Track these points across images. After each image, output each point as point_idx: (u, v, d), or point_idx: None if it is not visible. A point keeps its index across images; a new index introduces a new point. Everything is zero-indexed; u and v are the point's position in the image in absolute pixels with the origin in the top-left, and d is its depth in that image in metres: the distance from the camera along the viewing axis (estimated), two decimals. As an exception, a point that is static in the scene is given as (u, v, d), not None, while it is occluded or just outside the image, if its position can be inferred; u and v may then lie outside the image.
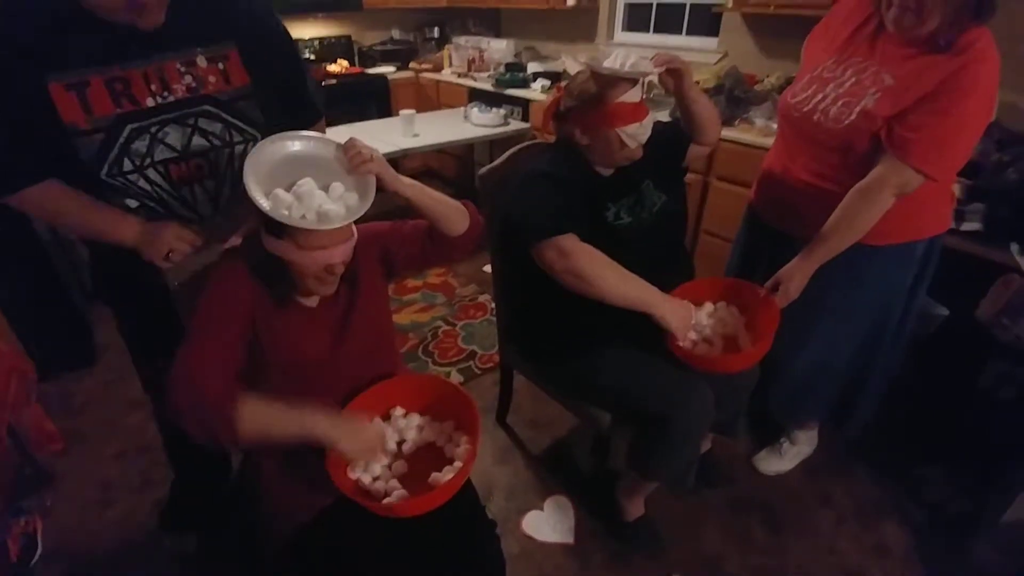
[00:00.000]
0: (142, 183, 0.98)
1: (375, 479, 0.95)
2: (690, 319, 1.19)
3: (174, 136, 0.97)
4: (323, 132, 1.13)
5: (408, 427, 1.04)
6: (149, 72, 0.91)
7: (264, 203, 0.84)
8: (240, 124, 1.04)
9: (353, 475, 0.94)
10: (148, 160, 0.96)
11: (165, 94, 0.92)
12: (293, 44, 1.12)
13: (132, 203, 0.99)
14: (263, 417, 0.85)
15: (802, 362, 1.44)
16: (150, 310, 1.08)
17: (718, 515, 1.58)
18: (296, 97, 1.13)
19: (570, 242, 1.11)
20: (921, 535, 1.52)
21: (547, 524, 1.55)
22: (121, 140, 0.92)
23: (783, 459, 1.72)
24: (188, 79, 0.94)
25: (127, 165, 0.95)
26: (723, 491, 1.64)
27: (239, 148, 1.05)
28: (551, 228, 1.11)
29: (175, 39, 0.91)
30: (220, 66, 0.96)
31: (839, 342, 1.41)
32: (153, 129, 0.95)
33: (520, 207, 1.18)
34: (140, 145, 0.95)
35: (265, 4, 1.04)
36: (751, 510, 1.60)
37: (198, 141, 1.00)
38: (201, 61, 0.95)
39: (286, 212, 0.83)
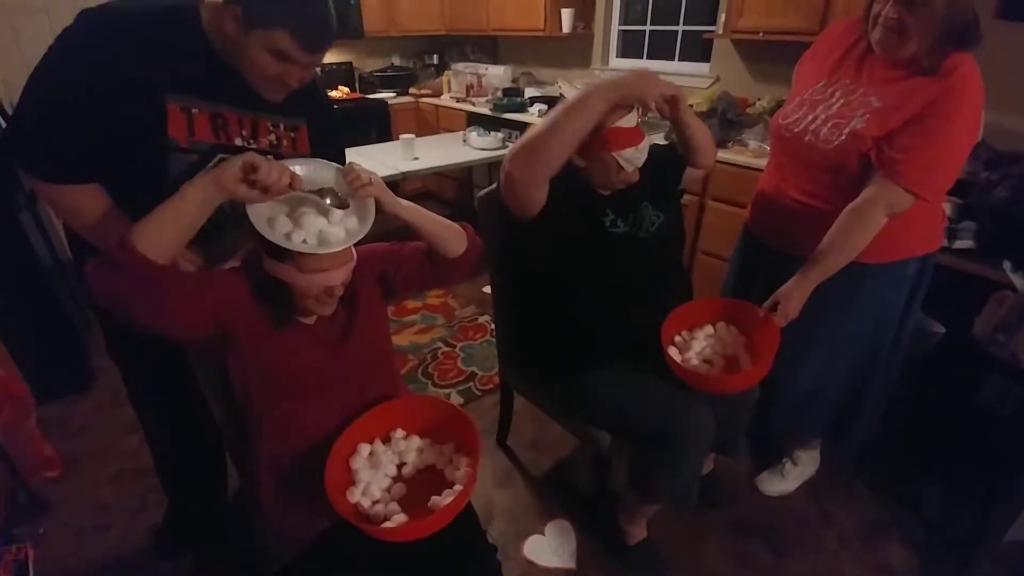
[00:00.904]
0: None
1: (375, 503, 0.94)
2: (651, 78, 1.06)
3: None
4: None
5: (408, 449, 1.03)
6: (244, 120, 1.04)
7: (265, 228, 0.85)
8: None
9: (352, 499, 0.93)
10: None
11: (251, 141, 1.06)
12: (341, 134, 1.31)
13: None
14: (151, 221, 0.79)
15: (799, 379, 1.45)
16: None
17: (721, 537, 1.56)
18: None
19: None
20: (924, 555, 1.50)
21: (548, 548, 1.53)
22: (211, 165, 1.02)
23: (785, 480, 1.71)
24: (272, 137, 1.09)
25: None
26: (725, 512, 1.62)
27: None
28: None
29: (269, 107, 1.04)
30: (292, 135, 1.12)
31: (836, 359, 1.42)
32: None
33: None
34: None
35: (330, 99, 1.28)
36: (754, 532, 1.58)
37: None
38: (283, 127, 1.10)
39: (286, 237, 0.85)
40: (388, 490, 0.97)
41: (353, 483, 0.95)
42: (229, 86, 0.97)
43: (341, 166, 0.95)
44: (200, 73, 0.96)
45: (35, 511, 1.64)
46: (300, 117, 1.12)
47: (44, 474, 1.70)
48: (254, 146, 1.06)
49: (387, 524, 0.90)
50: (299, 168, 0.93)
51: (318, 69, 1.07)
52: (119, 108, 0.91)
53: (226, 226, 1.07)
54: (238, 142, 1.04)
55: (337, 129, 1.30)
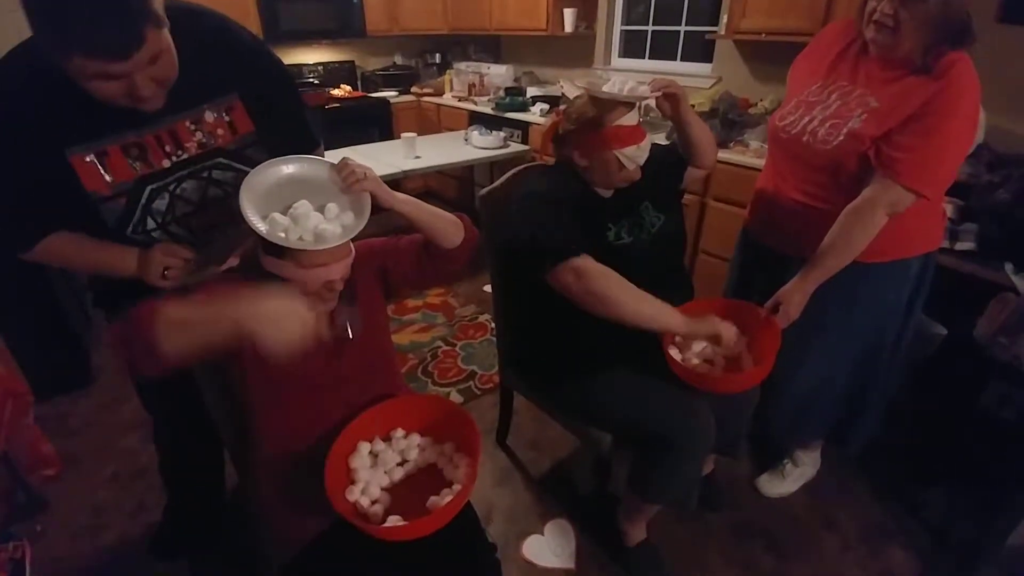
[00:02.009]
0: (162, 237, 1.02)
1: (374, 502, 0.94)
2: (719, 330, 1.13)
3: (191, 190, 1.01)
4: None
5: (408, 448, 1.03)
6: (162, 135, 0.94)
7: (261, 226, 0.85)
8: (249, 170, 1.05)
9: (352, 498, 0.93)
10: (170, 216, 1.00)
11: (179, 152, 0.96)
12: (290, 79, 1.13)
13: None
14: (181, 324, 0.75)
15: (801, 380, 1.44)
16: None
17: (721, 540, 1.56)
18: (297, 130, 1.15)
19: (586, 263, 1.10)
20: (927, 560, 1.49)
21: (548, 549, 1.53)
22: (143, 202, 0.96)
23: (786, 481, 1.70)
24: (199, 135, 0.98)
25: (150, 223, 0.99)
26: (726, 515, 1.62)
27: None
28: (566, 251, 1.10)
29: (182, 101, 0.92)
30: (226, 118, 1.00)
31: (837, 360, 1.42)
32: (172, 187, 0.99)
33: (527, 230, 1.16)
34: (160, 204, 0.99)
35: (260, 46, 1.05)
36: (754, 534, 1.57)
37: (213, 191, 1.04)
38: (208, 116, 0.98)
39: (282, 234, 0.85)
40: (388, 489, 0.97)
41: (352, 482, 0.95)
42: (128, 110, 0.85)
43: (334, 162, 0.94)
44: (91, 110, 0.83)
45: (33, 509, 1.63)
46: (229, 92, 0.98)
47: (42, 472, 1.70)
48: (184, 156, 0.97)
49: (386, 523, 0.89)
50: (291, 167, 0.93)
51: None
52: (33, 177, 0.87)
53: (225, 226, 1.07)
54: (165, 163, 0.95)
55: (288, 90, 1.11)
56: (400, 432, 1.05)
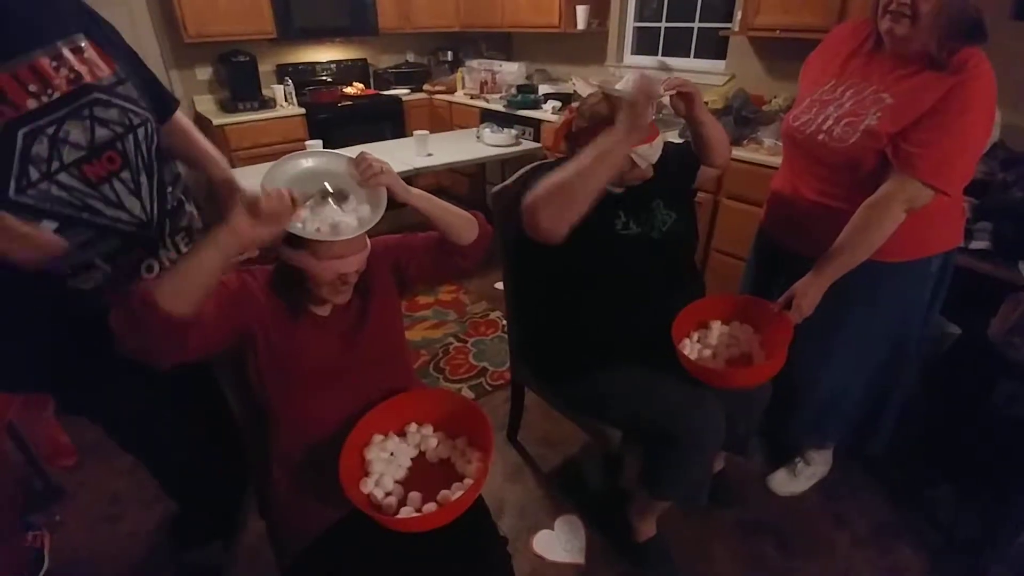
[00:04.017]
0: (56, 191, 0.90)
1: (387, 494, 0.95)
2: (645, 88, 1.01)
3: (76, 133, 0.91)
4: (183, 119, 1.19)
5: (422, 442, 1.05)
6: (21, 72, 0.84)
7: None
8: (131, 106, 0.99)
9: (365, 489, 0.95)
10: (56, 164, 0.89)
11: (50, 91, 0.87)
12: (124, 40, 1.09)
13: (50, 224, 0.90)
14: (172, 273, 0.80)
15: (825, 383, 1.43)
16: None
17: (731, 537, 1.56)
18: (154, 84, 1.12)
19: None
20: (936, 558, 1.49)
21: (558, 543, 1.54)
22: (18, 150, 0.85)
23: (797, 480, 1.70)
24: (65, 71, 0.88)
25: (33, 174, 0.87)
26: (736, 512, 1.62)
27: (140, 131, 1.01)
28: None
29: (33, 35, 0.85)
30: (85, 55, 0.92)
31: (861, 361, 1.41)
32: (49, 130, 0.88)
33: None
34: (40, 149, 0.87)
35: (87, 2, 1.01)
36: (764, 532, 1.57)
37: (101, 132, 0.94)
38: (67, 53, 0.89)
39: (300, 225, 0.88)
40: (401, 482, 0.98)
41: (367, 474, 0.97)
42: None
43: (352, 156, 0.96)
44: None
45: (51, 498, 1.67)
46: (76, 33, 0.91)
47: (60, 462, 1.73)
48: (55, 95, 0.87)
49: (399, 515, 0.91)
50: (310, 160, 0.96)
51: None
52: None
53: (122, 174, 1.00)
54: (32, 104, 0.85)
55: (123, 41, 1.07)
56: (414, 426, 1.06)
